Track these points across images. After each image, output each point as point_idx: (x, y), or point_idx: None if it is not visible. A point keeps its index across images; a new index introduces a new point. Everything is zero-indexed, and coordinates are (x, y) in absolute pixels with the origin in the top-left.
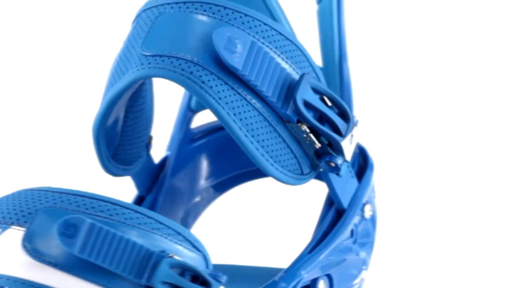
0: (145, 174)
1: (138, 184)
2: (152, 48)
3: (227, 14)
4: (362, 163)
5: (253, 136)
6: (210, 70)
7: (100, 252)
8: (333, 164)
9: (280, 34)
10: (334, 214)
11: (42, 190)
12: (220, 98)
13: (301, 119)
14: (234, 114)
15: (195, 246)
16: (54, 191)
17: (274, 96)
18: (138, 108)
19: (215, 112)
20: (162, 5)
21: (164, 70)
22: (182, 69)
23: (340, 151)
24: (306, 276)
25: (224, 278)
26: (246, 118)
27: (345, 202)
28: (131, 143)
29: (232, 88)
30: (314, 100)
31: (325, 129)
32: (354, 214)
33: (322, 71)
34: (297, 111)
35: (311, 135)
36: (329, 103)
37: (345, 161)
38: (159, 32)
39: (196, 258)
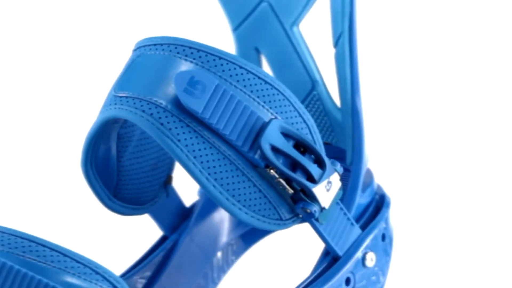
0: (166, 214)
1: (159, 223)
2: (122, 89)
3: (200, 57)
4: (380, 205)
5: (215, 179)
6: (172, 112)
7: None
8: (308, 211)
9: (259, 78)
10: (330, 261)
11: None
12: (179, 141)
13: (269, 164)
14: (194, 157)
15: (116, 286)
16: None
17: (239, 140)
18: (136, 149)
19: (173, 154)
20: (144, 46)
21: (127, 111)
22: (143, 111)
23: (314, 198)
24: None
25: None
26: (208, 161)
27: (340, 250)
28: (133, 183)
29: (195, 131)
30: (284, 145)
31: (294, 175)
32: (348, 262)
33: (339, 111)
34: (263, 156)
35: (281, 181)
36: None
37: (323, 208)
38: (132, 74)
39: None
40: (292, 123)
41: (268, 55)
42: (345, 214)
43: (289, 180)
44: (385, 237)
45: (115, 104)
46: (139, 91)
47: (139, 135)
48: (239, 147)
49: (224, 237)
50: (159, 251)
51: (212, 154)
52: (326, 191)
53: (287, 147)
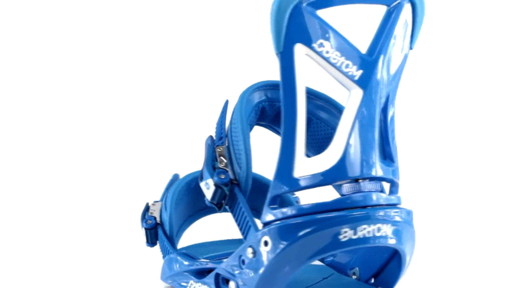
0: None
1: None
2: None
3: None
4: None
5: None
6: None
7: None
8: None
9: (236, 121)
10: None
11: None
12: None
13: None
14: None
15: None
16: None
17: None
18: None
19: None
20: None
21: None
22: None
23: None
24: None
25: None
26: None
27: (245, 236)
28: None
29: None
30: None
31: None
32: (241, 248)
33: None
34: None
35: None
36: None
37: (207, 199)
38: None
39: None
40: (234, 148)
41: None
42: (245, 217)
43: None
44: (268, 244)
45: None
46: None
47: None
48: None
49: None
50: None
51: None
52: (206, 189)
53: (208, 160)
